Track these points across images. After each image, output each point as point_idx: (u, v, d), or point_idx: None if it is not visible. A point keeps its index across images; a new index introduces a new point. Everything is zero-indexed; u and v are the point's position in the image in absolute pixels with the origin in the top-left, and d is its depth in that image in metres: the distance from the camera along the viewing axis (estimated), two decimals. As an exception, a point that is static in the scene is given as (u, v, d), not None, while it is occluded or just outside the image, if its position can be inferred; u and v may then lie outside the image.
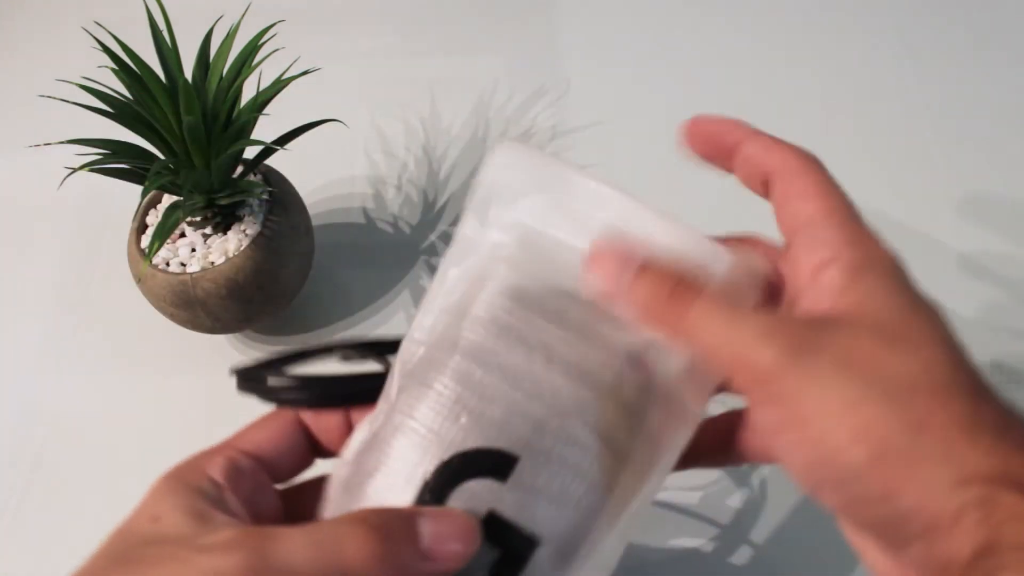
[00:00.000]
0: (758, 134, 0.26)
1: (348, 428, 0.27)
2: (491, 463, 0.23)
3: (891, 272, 0.22)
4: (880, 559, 0.22)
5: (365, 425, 0.26)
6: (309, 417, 0.27)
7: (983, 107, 0.58)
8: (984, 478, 0.19)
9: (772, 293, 0.25)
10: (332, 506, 0.25)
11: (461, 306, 0.25)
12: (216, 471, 0.24)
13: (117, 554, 0.22)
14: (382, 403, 0.25)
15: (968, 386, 0.20)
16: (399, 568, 0.21)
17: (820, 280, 0.23)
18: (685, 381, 0.24)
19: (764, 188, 0.27)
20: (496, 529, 0.23)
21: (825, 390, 0.20)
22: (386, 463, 0.24)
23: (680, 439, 0.24)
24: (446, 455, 0.23)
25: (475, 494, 0.23)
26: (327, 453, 0.27)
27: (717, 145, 0.27)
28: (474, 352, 0.24)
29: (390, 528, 0.21)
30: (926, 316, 0.22)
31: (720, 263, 0.23)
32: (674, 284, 0.23)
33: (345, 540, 0.21)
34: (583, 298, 0.24)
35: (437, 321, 0.25)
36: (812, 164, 0.25)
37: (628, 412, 0.24)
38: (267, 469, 0.26)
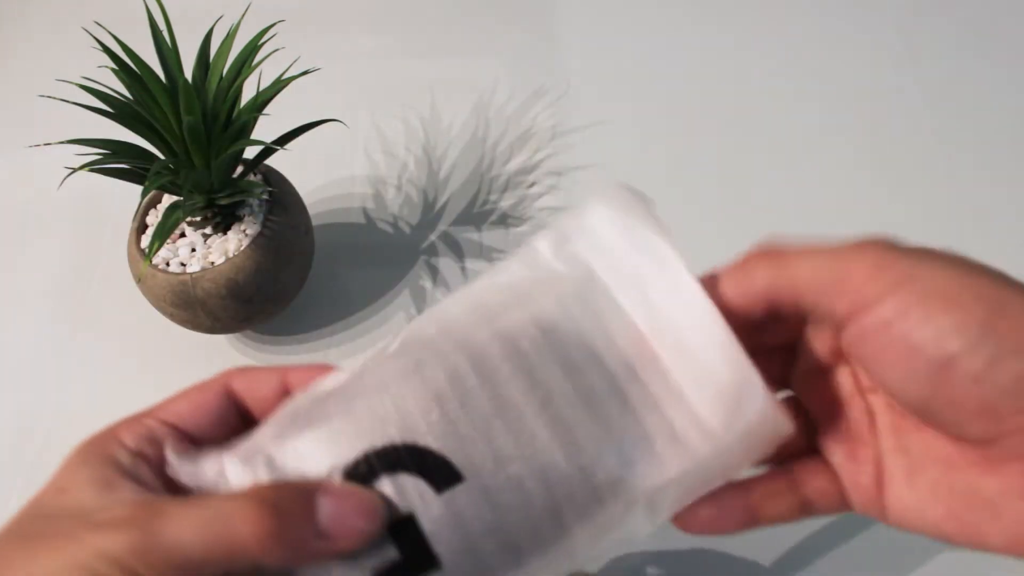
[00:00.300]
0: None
1: (284, 398, 0.26)
2: (437, 470, 0.22)
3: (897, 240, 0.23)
4: (1002, 477, 0.21)
5: (346, 370, 0.25)
6: (243, 386, 0.26)
7: (983, 108, 0.58)
8: None
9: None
10: (272, 428, 0.24)
11: (492, 312, 0.24)
12: (130, 439, 0.24)
13: (20, 528, 0.22)
14: (377, 355, 0.25)
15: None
16: (293, 545, 0.21)
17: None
18: (666, 495, 0.23)
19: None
20: (407, 535, 0.22)
21: (931, 271, 0.21)
22: (343, 417, 0.23)
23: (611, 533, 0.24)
24: (400, 439, 0.23)
25: (406, 491, 0.22)
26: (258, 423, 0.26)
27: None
28: (478, 361, 0.23)
29: (285, 505, 0.21)
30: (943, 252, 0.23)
31: (753, 401, 0.23)
32: (767, 245, 0.24)
33: (236, 517, 0.20)
34: (609, 367, 0.24)
35: (464, 312, 0.25)
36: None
37: (590, 496, 0.23)
38: (189, 439, 0.25)
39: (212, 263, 0.45)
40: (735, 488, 0.26)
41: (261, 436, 0.24)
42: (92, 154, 0.41)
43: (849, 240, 0.22)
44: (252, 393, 0.26)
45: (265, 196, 0.47)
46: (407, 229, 0.56)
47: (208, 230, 0.46)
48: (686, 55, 0.64)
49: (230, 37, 0.43)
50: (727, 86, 0.61)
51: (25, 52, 0.72)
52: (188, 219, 0.46)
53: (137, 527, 0.20)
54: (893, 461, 0.24)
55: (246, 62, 0.42)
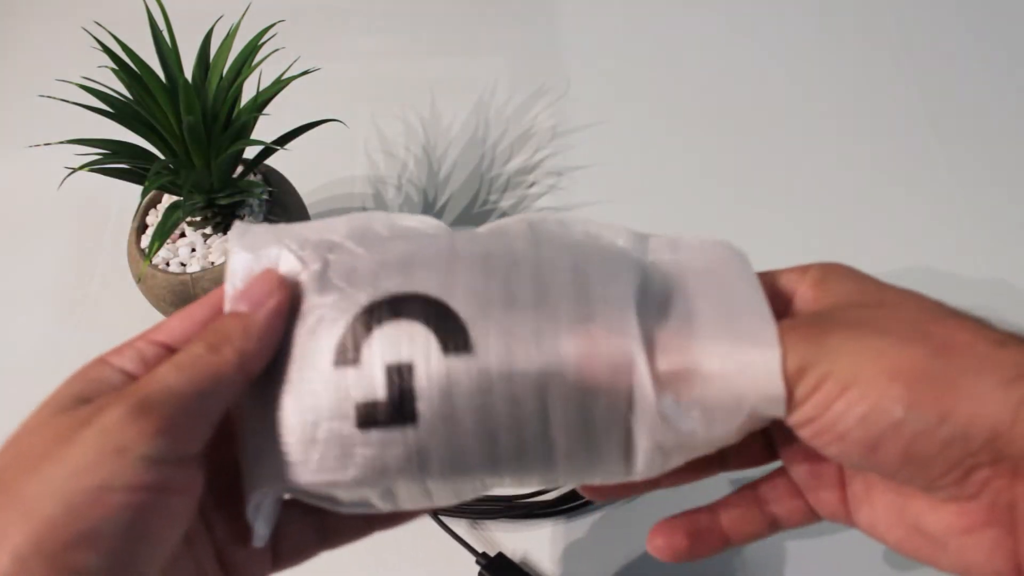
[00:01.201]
0: None
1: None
2: (452, 334, 0.23)
3: (847, 269, 0.25)
4: (943, 516, 0.22)
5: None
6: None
7: (983, 109, 0.58)
8: None
9: None
10: (331, 233, 0.26)
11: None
12: (119, 361, 0.24)
13: (9, 447, 0.22)
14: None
15: (966, 314, 0.22)
16: (245, 335, 0.23)
17: (796, 302, 0.25)
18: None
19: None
20: (398, 379, 0.22)
21: (846, 358, 0.21)
22: (397, 258, 0.24)
23: None
24: (435, 294, 0.23)
25: (415, 340, 0.23)
26: None
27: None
28: (533, 262, 0.25)
29: (217, 325, 0.23)
30: (891, 286, 0.24)
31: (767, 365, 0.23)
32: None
33: (196, 351, 0.22)
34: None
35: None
36: None
37: (582, 422, 0.23)
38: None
39: (212, 263, 0.45)
40: (704, 513, 0.27)
41: (321, 235, 0.25)
42: (92, 154, 0.41)
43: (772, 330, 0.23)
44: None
45: (265, 196, 0.47)
46: (407, 229, 0.56)
47: (208, 230, 0.46)
48: (686, 55, 0.64)
49: (230, 37, 0.43)
50: (727, 86, 0.61)
51: (25, 52, 0.72)
52: (188, 219, 0.46)
53: (123, 399, 0.21)
54: (854, 481, 0.25)
55: (246, 62, 0.42)
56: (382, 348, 0.23)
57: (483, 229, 0.27)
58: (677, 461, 0.24)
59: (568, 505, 0.42)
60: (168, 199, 0.48)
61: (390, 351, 0.23)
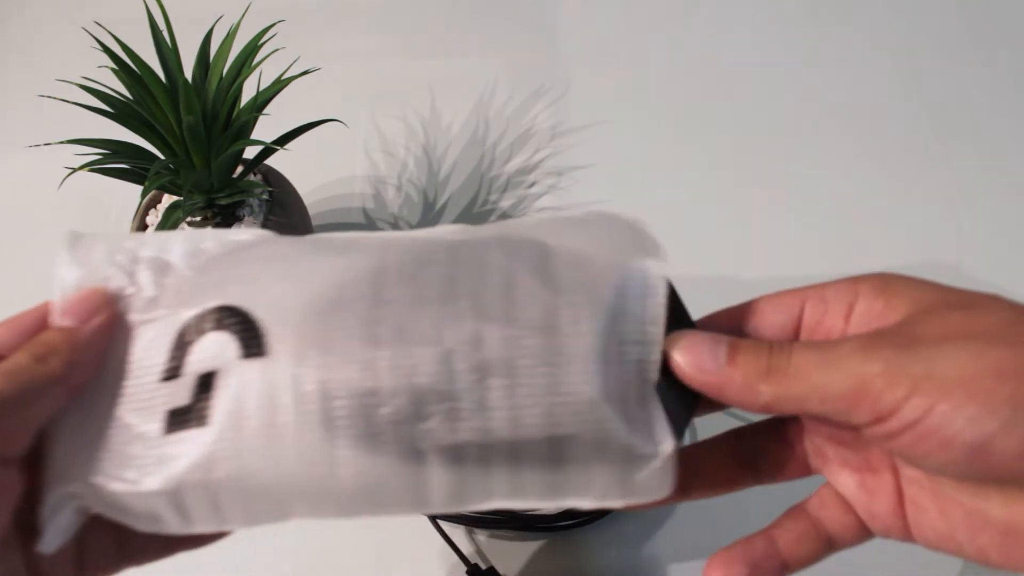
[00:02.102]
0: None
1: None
2: (250, 338, 0.23)
3: (913, 278, 0.24)
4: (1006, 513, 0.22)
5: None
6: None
7: (982, 109, 0.58)
8: None
9: None
10: (152, 246, 0.26)
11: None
12: None
13: None
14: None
15: None
16: (71, 348, 0.24)
17: (855, 316, 0.24)
18: None
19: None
20: (201, 385, 0.23)
21: (944, 361, 0.20)
22: (219, 274, 0.25)
23: None
24: (237, 303, 0.24)
25: (223, 349, 0.23)
26: None
27: None
28: (374, 267, 0.25)
29: (43, 337, 0.24)
30: (968, 291, 0.23)
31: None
32: (769, 347, 0.23)
33: (21, 360, 0.23)
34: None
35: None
36: (761, 299, 0.26)
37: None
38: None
39: (212, 263, 0.45)
40: (760, 539, 0.26)
41: (154, 253, 0.26)
42: (92, 154, 0.41)
43: (852, 340, 0.22)
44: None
45: (265, 196, 0.47)
46: (407, 229, 0.56)
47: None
48: (686, 55, 0.64)
49: (230, 37, 0.43)
50: (728, 86, 0.61)
51: (25, 52, 0.72)
52: (188, 219, 0.46)
53: None
54: (920, 493, 0.24)
55: (246, 62, 0.42)
56: (197, 359, 0.24)
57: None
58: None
59: (570, 521, 0.42)
60: (168, 199, 0.48)
61: (202, 361, 0.24)
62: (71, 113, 0.42)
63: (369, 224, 0.56)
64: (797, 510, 0.26)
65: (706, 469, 0.27)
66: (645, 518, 0.42)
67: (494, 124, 0.61)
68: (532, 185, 0.57)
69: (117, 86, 0.42)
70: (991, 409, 0.20)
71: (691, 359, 0.23)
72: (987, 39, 0.61)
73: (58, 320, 0.25)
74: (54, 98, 0.43)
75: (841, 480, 0.26)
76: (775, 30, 0.64)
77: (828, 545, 0.26)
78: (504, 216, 0.55)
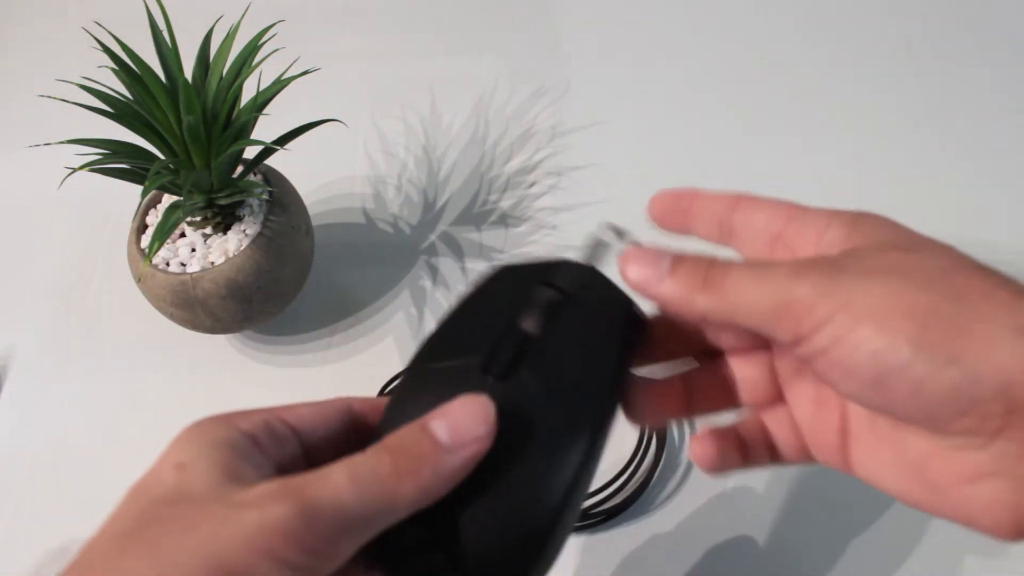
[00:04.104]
0: (706, 191, 0.28)
1: None
2: None
3: (884, 218, 0.25)
4: (948, 463, 0.22)
5: None
6: (364, 407, 0.26)
7: (982, 107, 0.58)
8: None
9: None
10: None
11: None
12: (248, 426, 0.23)
13: (137, 517, 0.21)
14: None
15: (993, 269, 0.22)
16: (434, 473, 0.22)
17: (822, 242, 0.25)
18: None
19: (720, 230, 0.28)
20: None
21: (864, 294, 0.21)
22: None
23: None
24: None
25: None
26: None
27: (674, 212, 0.29)
28: None
29: (409, 445, 0.22)
30: (928, 237, 0.23)
31: None
32: (708, 263, 0.24)
33: (381, 470, 0.21)
34: None
35: None
36: (759, 196, 0.27)
37: None
38: (303, 444, 0.25)
39: (212, 263, 0.45)
40: (731, 431, 0.28)
41: None
42: (92, 154, 0.41)
43: (788, 262, 0.23)
44: (372, 412, 0.26)
45: (265, 196, 0.47)
46: (407, 229, 0.56)
47: (208, 230, 0.46)
48: (686, 55, 0.64)
49: (230, 37, 0.43)
50: (728, 86, 0.61)
51: (25, 52, 0.72)
52: (188, 219, 0.46)
53: (291, 498, 0.20)
54: (859, 428, 0.25)
55: (246, 62, 0.42)
56: None
57: None
58: None
59: (585, 522, 0.42)
60: (168, 199, 0.48)
61: None
62: (71, 113, 0.42)
63: (369, 224, 0.56)
64: (754, 420, 0.28)
65: (701, 389, 0.29)
66: (646, 519, 0.42)
67: (494, 124, 0.61)
68: (532, 185, 0.57)
69: (117, 86, 0.42)
70: (892, 347, 0.21)
71: (637, 269, 0.24)
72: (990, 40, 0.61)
73: (435, 427, 0.22)
74: (54, 98, 0.43)
75: (799, 408, 0.27)
76: (775, 30, 0.64)
77: (772, 456, 0.28)
78: (504, 216, 0.55)
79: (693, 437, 0.28)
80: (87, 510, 0.45)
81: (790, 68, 0.62)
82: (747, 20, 0.65)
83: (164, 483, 0.21)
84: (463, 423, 0.22)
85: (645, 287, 0.24)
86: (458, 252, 0.54)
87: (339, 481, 0.21)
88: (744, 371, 0.28)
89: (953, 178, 0.54)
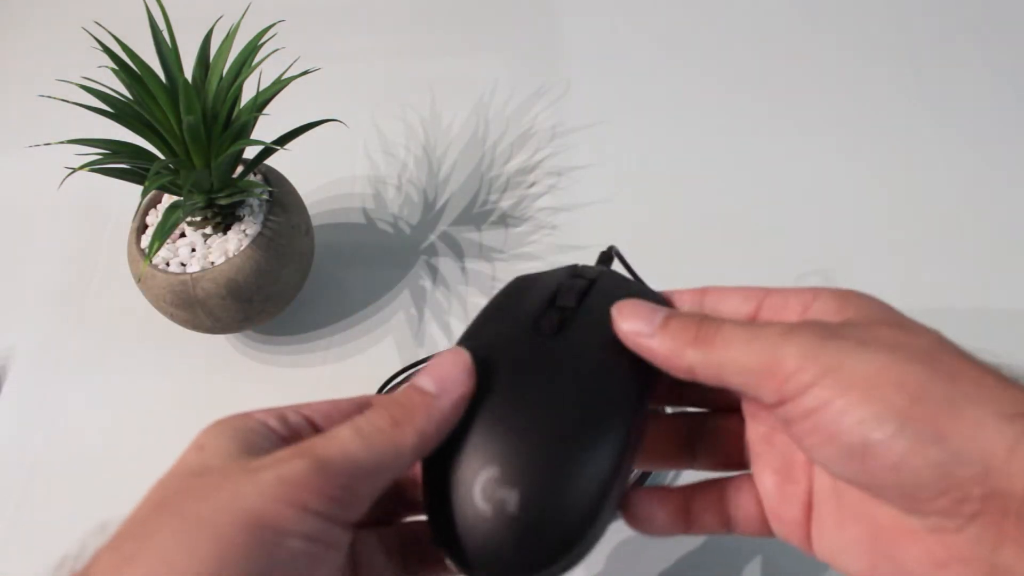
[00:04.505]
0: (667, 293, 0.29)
1: None
2: None
3: (871, 297, 0.24)
4: (921, 547, 0.22)
5: None
6: None
7: (985, 112, 0.58)
8: None
9: None
10: None
11: None
12: (263, 416, 0.24)
13: (163, 491, 0.22)
14: None
15: (978, 357, 0.22)
16: (428, 417, 0.23)
17: (810, 313, 0.24)
18: None
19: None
20: None
21: (856, 362, 0.21)
22: None
23: None
24: None
25: None
26: None
27: None
28: None
29: (403, 399, 0.24)
30: (915, 321, 0.23)
31: None
32: (700, 319, 0.24)
33: (381, 423, 0.23)
34: None
35: None
36: (724, 285, 0.28)
37: None
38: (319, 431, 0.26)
39: (212, 263, 0.45)
40: (678, 494, 0.28)
41: None
42: (92, 154, 0.41)
43: (781, 323, 0.23)
44: None
45: (265, 196, 0.47)
46: (407, 229, 0.56)
47: (208, 230, 0.46)
48: (686, 55, 0.64)
49: (230, 37, 0.43)
50: (728, 85, 0.61)
51: (25, 52, 0.72)
52: (188, 219, 0.46)
53: (305, 455, 0.21)
54: (825, 503, 0.25)
55: (246, 62, 0.42)
56: None
57: None
58: None
59: None
60: (168, 199, 0.48)
61: None
62: (71, 113, 0.42)
63: (369, 224, 0.56)
64: (717, 484, 0.28)
65: (651, 441, 0.29)
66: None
67: (494, 124, 0.61)
68: (532, 185, 0.57)
69: (117, 86, 0.42)
70: (880, 417, 0.20)
71: (630, 323, 0.25)
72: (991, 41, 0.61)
73: (421, 381, 0.24)
74: (54, 98, 0.43)
75: (764, 478, 0.27)
76: (775, 30, 0.64)
77: (726, 526, 0.27)
78: (504, 216, 0.55)
79: (633, 494, 0.28)
80: (87, 510, 0.45)
81: (791, 68, 0.62)
82: (748, 20, 0.65)
83: (187, 463, 0.22)
84: (445, 372, 0.24)
85: (636, 340, 0.25)
86: (458, 252, 0.54)
87: (345, 437, 0.22)
88: (713, 432, 0.28)
89: (952, 179, 0.54)
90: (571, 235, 0.54)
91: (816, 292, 0.25)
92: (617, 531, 0.43)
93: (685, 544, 0.41)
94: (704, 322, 0.24)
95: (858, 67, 0.61)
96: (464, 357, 0.25)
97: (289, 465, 0.21)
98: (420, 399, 0.24)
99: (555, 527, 0.23)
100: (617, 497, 0.24)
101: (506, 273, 0.52)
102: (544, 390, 0.24)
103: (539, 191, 0.57)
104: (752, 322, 0.24)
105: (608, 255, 0.31)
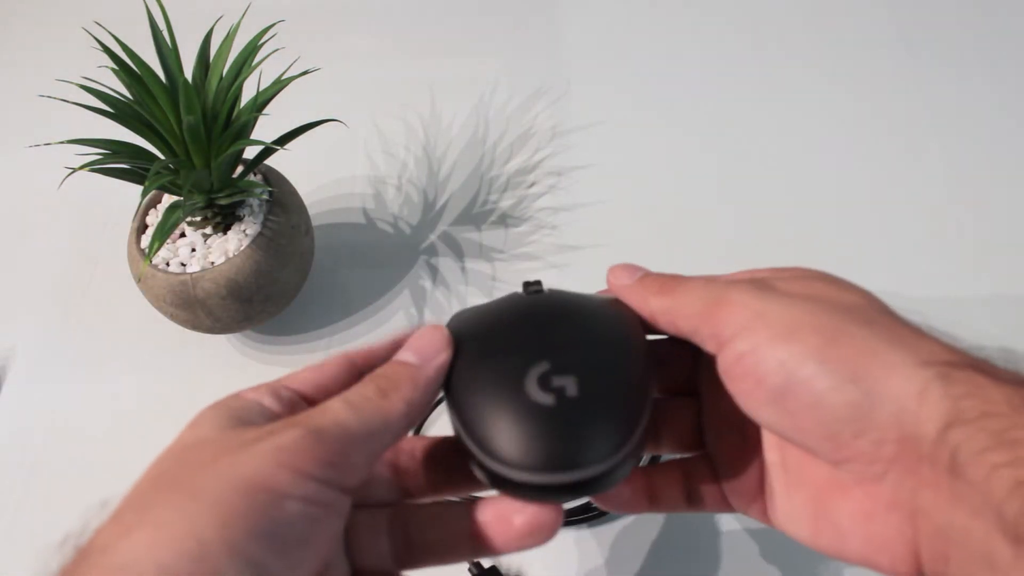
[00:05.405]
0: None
1: None
2: None
3: (820, 271, 0.26)
4: (850, 501, 0.23)
5: None
6: (361, 358, 0.28)
7: (984, 108, 0.58)
8: (939, 361, 0.21)
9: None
10: None
11: None
12: (254, 395, 0.25)
13: (159, 467, 0.22)
14: None
15: (901, 316, 0.23)
16: (413, 385, 0.24)
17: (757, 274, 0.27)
18: None
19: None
20: None
21: (781, 307, 0.23)
22: None
23: None
24: None
25: None
26: None
27: None
28: None
29: (389, 372, 0.25)
30: (856, 285, 0.25)
31: None
32: (668, 276, 0.27)
33: (369, 393, 0.24)
34: None
35: None
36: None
37: None
38: (310, 404, 0.26)
39: (212, 263, 0.45)
40: (641, 474, 0.29)
41: None
42: (92, 154, 0.41)
43: (727, 278, 0.26)
44: (371, 361, 0.27)
45: (265, 196, 0.47)
46: (407, 229, 0.56)
47: (208, 230, 0.46)
48: (686, 54, 0.64)
49: (230, 37, 0.43)
50: (728, 85, 0.61)
51: (25, 52, 0.72)
52: (188, 219, 0.46)
53: (298, 425, 0.22)
54: (775, 475, 0.26)
55: (246, 62, 0.42)
56: None
57: None
58: None
59: (571, 518, 0.42)
60: (168, 199, 0.48)
61: None
62: (71, 113, 0.42)
63: (369, 224, 0.56)
64: (678, 462, 0.30)
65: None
66: (644, 517, 0.42)
67: (494, 124, 0.61)
68: (532, 185, 0.57)
69: (117, 86, 0.42)
70: (799, 357, 0.22)
71: (617, 274, 0.29)
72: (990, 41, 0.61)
73: (403, 356, 0.25)
74: (54, 98, 0.43)
75: (720, 455, 0.28)
76: (775, 29, 0.64)
77: (689, 502, 0.29)
78: (504, 216, 0.55)
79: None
80: (87, 510, 0.45)
81: (791, 68, 0.62)
82: (748, 20, 0.65)
83: (183, 439, 0.23)
84: (424, 343, 0.26)
85: (620, 289, 0.28)
86: (458, 252, 0.54)
87: (336, 407, 0.23)
88: (673, 415, 0.30)
89: (952, 181, 0.54)
90: (571, 235, 0.54)
91: (752, 273, 0.27)
92: (614, 529, 0.43)
93: (683, 545, 0.41)
94: (671, 278, 0.27)
95: (858, 67, 0.61)
96: (440, 328, 0.26)
97: (284, 434, 0.21)
98: (404, 370, 0.25)
99: (612, 411, 0.24)
100: (646, 424, 0.25)
101: (506, 273, 0.52)
102: (558, 319, 0.27)
103: (539, 191, 0.57)
104: (712, 277, 0.27)
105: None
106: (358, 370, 0.27)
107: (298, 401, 0.25)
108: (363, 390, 0.24)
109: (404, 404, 0.24)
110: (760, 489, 0.27)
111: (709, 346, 0.25)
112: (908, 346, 0.21)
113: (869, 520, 0.22)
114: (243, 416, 0.23)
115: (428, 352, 0.25)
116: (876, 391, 0.21)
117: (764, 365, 0.22)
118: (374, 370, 0.25)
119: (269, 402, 0.24)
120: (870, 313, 0.23)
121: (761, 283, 0.25)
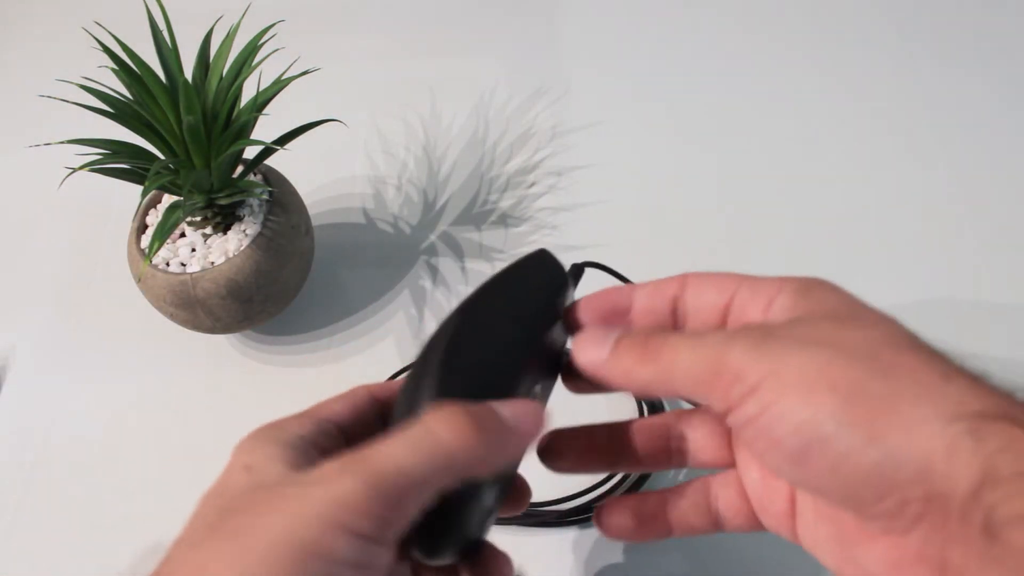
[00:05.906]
0: (643, 284, 0.28)
1: None
2: None
3: (834, 286, 0.24)
4: (876, 548, 0.22)
5: None
6: (381, 392, 0.27)
7: (982, 107, 0.58)
8: (969, 413, 0.19)
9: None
10: None
11: None
12: (299, 428, 0.24)
13: (215, 513, 0.22)
14: None
15: (929, 346, 0.21)
16: (496, 447, 0.22)
17: (771, 310, 0.24)
18: None
19: (672, 310, 0.27)
20: None
21: (792, 363, 0.21)
22: None
23: None
24: None
25: None
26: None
27: (611, 312, 0.28)
28: None
29: (479, 415, 0.22)
30: (873, 309, 0.23)
31: None
32: (646, 336, 0.24)
33: (442, 435, 0.22)
34: None
35: None
36: (706, 271, 0.28)
37: None
38: (344, 437, 0.26)
39: (212, 263, 0.45)
40: (654, 498, 0.28)
41: None
42: (92, 154, 0.41)
43: (723, 330, 0.23)
44: (390, 395, 0.27)
45: (265, 196, 0.47)
46: (407, 229, 0.56)
47: (208, 230, 0.46)
48: (686, 55, 0.64)
49: (230, 37, 0.43)
50: (727, 86, 0.61)
51: (25, 52, 0.72)
52: (188, 219, 0.46)
53: (354, 471, 0.21)
54: (804, 499, 0.25)
55: (246, 62, 0.42)
56: None
57: None
58: None
59: (569, 518, 0.41)
60: (168, 199, 0.48)
61: None
62: (71, 113, 0.42)
63: (369, 224, 0.56)
64: (701, 482, 0.28)
65: (638, 443, 0.29)
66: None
67: (494, 124, 0.61)
68: (532, 185, 0.57)
69: (117, 86, 0.42)
70: (815, 420, 0.20)
71: (584, 353, 0.25)
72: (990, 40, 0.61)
73: (501, 408, 0.23)
74: (54, 98, 0.43)
75: (749, 473, 0.27)
76: (776, 28, 0.64)
77: (715, 524, 0.27)
78: (504, 216, 0.55)
79: (601, 507, 0.28)
80: (87, 510, 0.45)
81: (790, 68, 0.62)
82: (748, 20, 0.65)
83: (237, 483, 0.22)
84: (528, 414, 0.24)
85: (594, 371, 0.25)
86: (458, 252, 0.54)
87: (397, 448, 0.21)
88: (698, 431, 0.28)
89: (953, 181, 0.54)
90: (571, 235, 0.54)
91: (781, 284, 0.25)
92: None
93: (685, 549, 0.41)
94: (652, 337, 0.24)
95: (859, 67, 0.61)
96: (542, 410, 0.24)
97: (342, 483, 0.20)
98: (499, 430, 0.23)
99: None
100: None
101: (506, 273, 0.52)
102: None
103: (539, 191, 0.57)
104: (698, 331, 0.24)
105: (577, 271, 0.31)
106: (378, 403, 0.27)
107: (337, 434, 0.25)
108: (428, 429, 0.22)
109: (483, 449, 0.22)
110: (792, 510, 0.26)
111: (716, 408, 0.23)
112: (933, 397, 0.20)
113: (897, 569, 0.21)
114: (290, 456, 0.23)
115: (527, 425, 0.23)
116: (899, 452, 0.19)
117: (779, 429, 0.21)
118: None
119: (313, 436, 0.24)
120: (888, 355, 0.21)
121: (762, 332, 0.23)
